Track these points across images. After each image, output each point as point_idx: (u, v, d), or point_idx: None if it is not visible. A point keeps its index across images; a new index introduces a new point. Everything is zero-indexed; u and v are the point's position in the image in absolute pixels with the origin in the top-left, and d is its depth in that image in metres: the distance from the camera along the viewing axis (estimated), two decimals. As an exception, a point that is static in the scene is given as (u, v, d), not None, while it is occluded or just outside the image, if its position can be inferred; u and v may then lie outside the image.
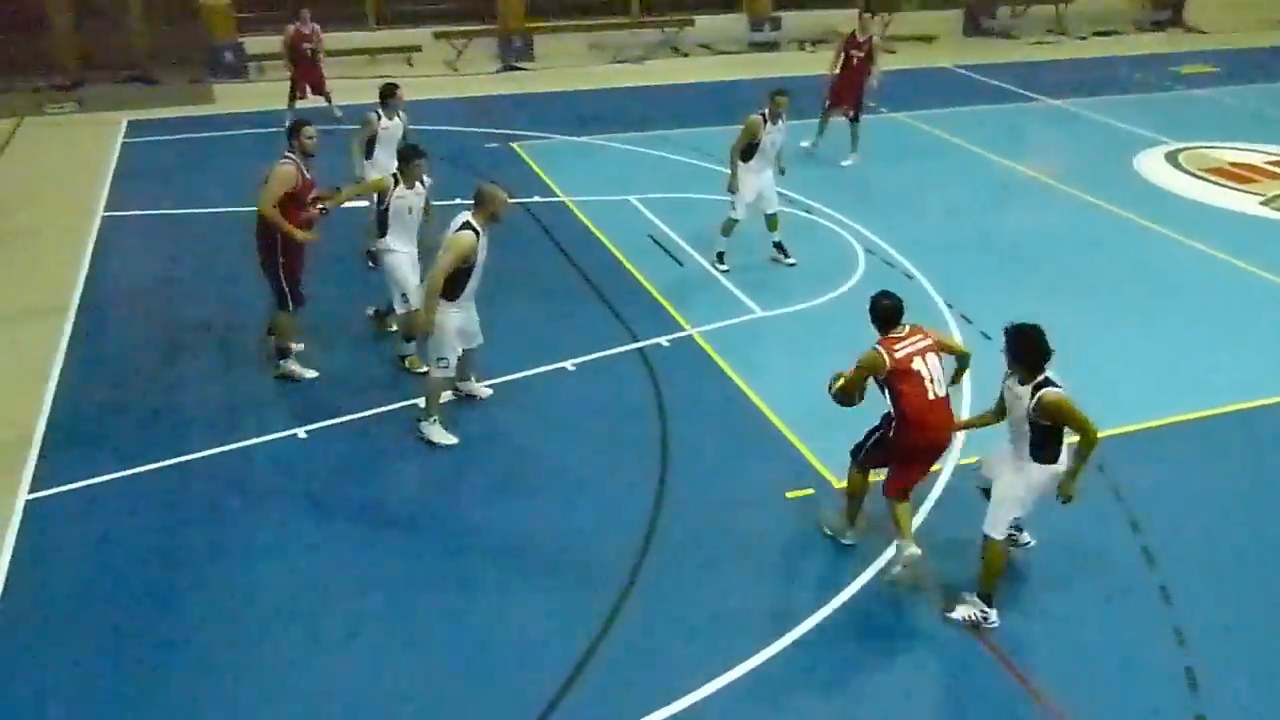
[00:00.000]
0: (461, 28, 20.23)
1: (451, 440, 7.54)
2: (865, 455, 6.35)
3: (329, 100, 15.08)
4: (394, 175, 8.12)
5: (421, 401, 7.70)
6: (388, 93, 10.09)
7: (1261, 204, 12.72)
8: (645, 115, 16.17)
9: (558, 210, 12.11)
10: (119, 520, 6.78)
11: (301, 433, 7.66)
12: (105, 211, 12.01)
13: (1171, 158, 14.49)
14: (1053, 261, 10.96)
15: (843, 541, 6.60)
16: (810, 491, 7.04)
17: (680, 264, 10.66)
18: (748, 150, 10.05)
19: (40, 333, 9.10)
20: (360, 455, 7.48)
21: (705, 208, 11.22)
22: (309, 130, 7.88)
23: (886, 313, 6.06)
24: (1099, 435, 5.67)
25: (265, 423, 7.76)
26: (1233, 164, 14.21)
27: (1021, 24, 23.23)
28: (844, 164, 13.59)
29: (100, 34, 18.58)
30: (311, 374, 8.30)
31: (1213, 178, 13.65)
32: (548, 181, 13.06)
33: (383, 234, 8.18)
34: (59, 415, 7.87)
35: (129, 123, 15.78)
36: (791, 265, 10.59)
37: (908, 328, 6.13)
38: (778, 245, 10.63)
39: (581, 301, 9.79)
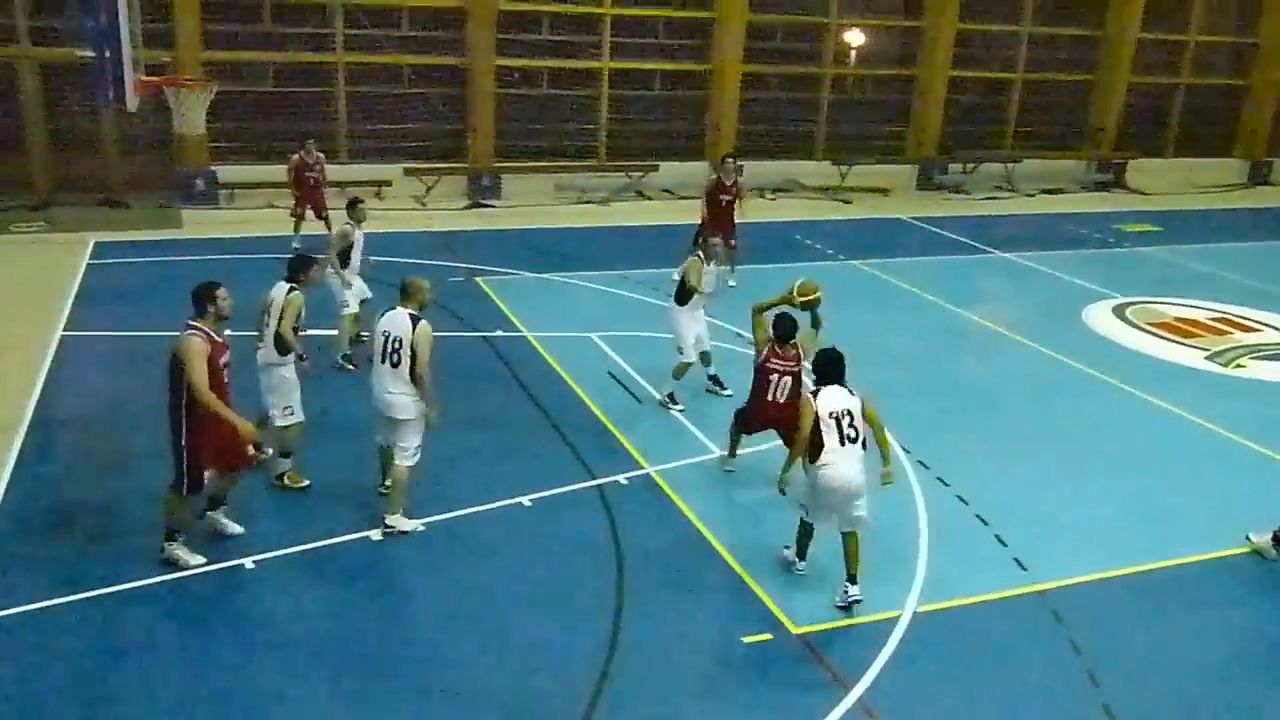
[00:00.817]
0: (432, 165, 20.68)
1: (420, 526, 7.95)
2: (738, 419, 9.11)
3: (329, 226, 15.30)
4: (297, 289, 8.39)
5: (390, 514, 7.92)
6: (355, 203, 11.22)
7: (1206, 359, 13.01)
8: (608, 254, 16.44)
9: (519, 345, 12.16)
10: (48, 650, 6.52)
11: (249, 563, 7.43)
12: (65, 330, 12.01)
13: (1119, 311, 14.85)
14: (1006, 410, 11.08)
15: (726, 469, 9.19)
16: (767, 636, 6.90)
17: (639, 401, 10.66)
18: (686, 295, 10.31)
19: (-13, 449, 8.97)
20: (305, 589, 7.26)
21: (665, 346, 11.33)
22: (222, 293, 7.28)
23: (777, 328, 8.61)
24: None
25: (212, 551, 7.53)
26: (1178, 319, 14.57)
27: (972, 180, 24.14)
28: (730, 284, 14.03)
29: (74, 159, 18.71)
30: (199, 560, 7.37)
31: (1159, 332, 13.97)
32: (511, 317, 13.15)
33: (285, 352, 8.28)
34: (-1, 537, 7.73)
35: (96, 244, 15.84)
36: (729, 396, 10.63)
37: (794, 348, 8.62)
38: (714, 378, 10.85)
39: (540, 437, 9.72)
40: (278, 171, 17.09)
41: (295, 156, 15.79)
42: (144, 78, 12.65)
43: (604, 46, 21.74)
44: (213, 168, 19.22)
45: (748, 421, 8.98)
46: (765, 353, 8.62)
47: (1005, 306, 14.98)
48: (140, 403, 10.04)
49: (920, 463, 9.54)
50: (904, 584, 7.56)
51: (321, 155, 15.94)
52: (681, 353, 10.36)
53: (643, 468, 9.16)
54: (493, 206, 20.36)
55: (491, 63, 20.78)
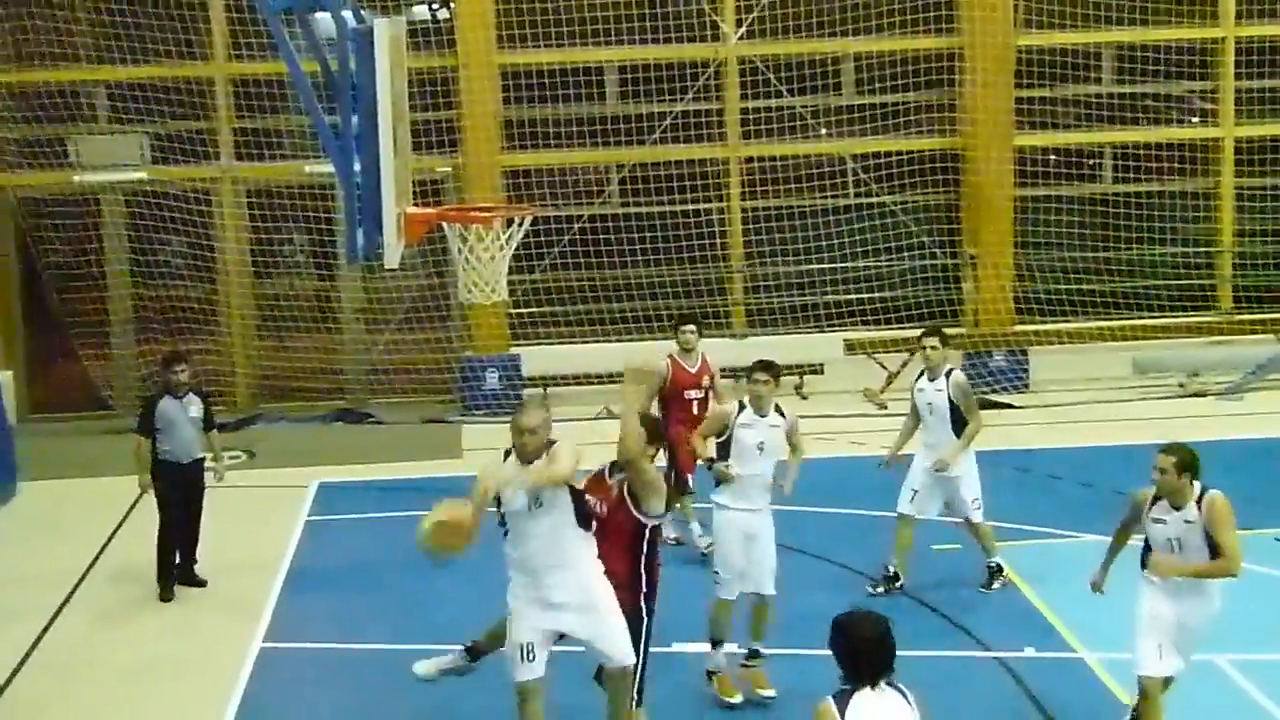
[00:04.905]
0: (897, 333, 20.86)
1: None
2: None
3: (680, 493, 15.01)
4: (739, 401, 11.95)
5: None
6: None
7: None
8: (1250, 499, 15.75)
9: (1071, 676, 12.10)
10: None
11: None
12: (265, 641, 13.29)
13: None
14: None
15: None
16: None
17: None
18: None
19: None
20: None
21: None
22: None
23: None
24: None
25: None
26: None
27: None
28: None
29: (291, 343, 21.00)
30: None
31: None
32: (1052, 619, 13.19)
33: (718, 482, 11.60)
34: None
35: (321, 486, 17.33)
36: None
37: None
38: None
39: None
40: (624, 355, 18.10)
41: (664, 360, 15.16)
42: (413, 209, 13.51)
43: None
44: (515, 351, 20.74)
45: None
46: None
47: None
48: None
49: None
50: None
51: (712, 361, 15.40)
52: None
53: None
54: (1012, 406, 20.40)
55: (1008, 139, 21.22)
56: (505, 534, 9.55)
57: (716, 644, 11.56)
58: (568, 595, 9.45)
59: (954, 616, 13.11)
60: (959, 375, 14.16)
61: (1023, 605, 13.53)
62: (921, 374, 14.32)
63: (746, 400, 11.81)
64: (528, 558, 9.50)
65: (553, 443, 9.41)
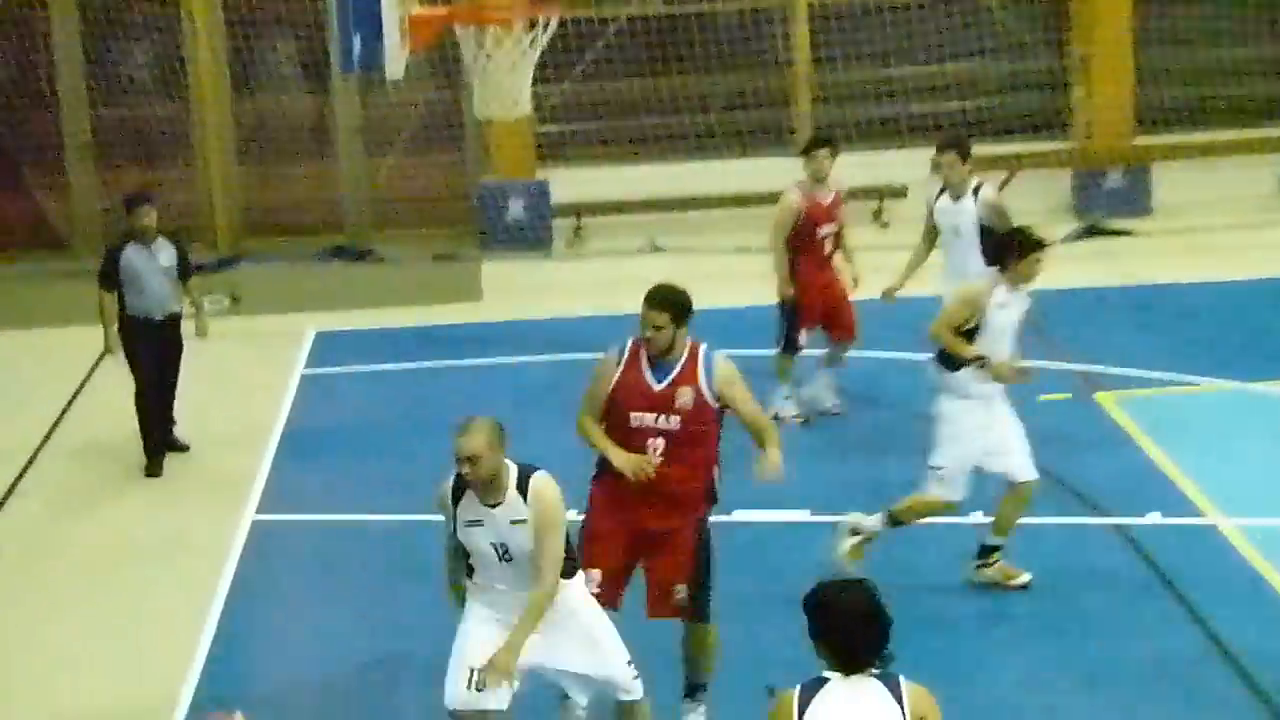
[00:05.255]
0: (995, 151, 20.63)
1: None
2: None
3: (838, 344, 14.95)
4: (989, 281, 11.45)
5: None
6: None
7: None
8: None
9: (1198, 540, 12.23)
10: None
11: None
12: (258, 513, 13.52)
13: None
14: None
15: None
16: None
17: None
18: None
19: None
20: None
21: None
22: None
23: None
24: None
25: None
26: None
27: None
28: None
29: (281, 172, 20.94)
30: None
31: None
32: (1175, 478, 13.25)
33: (955, 366, 11.31)
34: None
35: (318, 336, 17.38)
36: None
37: None
38: None
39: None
40: (670, 177, 18.03)
41: (795, 194, 14.84)
42: (420, 10, 13.39)
43: None
44: (541, 176, 20.64)
45: None
46: None
47: None
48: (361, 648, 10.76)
49: None
50: None
51: (838, 193, 15.00)
52: None
53: None
54: (1130, 234, 20.32)
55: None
56: (468, 569, 8.95)
57: (897, 524, 11.52)
58: (548, 618, 8.73)
59: (1064, 478, 13.05)
60: (989, 192, 14.10)
61: (1145, 464, 13.56)
62: (942, 191, 14.26)
63: (1002, 278, 11.40)
64: (495, 599, 8.86)
65: (529, 473, 8.67)
